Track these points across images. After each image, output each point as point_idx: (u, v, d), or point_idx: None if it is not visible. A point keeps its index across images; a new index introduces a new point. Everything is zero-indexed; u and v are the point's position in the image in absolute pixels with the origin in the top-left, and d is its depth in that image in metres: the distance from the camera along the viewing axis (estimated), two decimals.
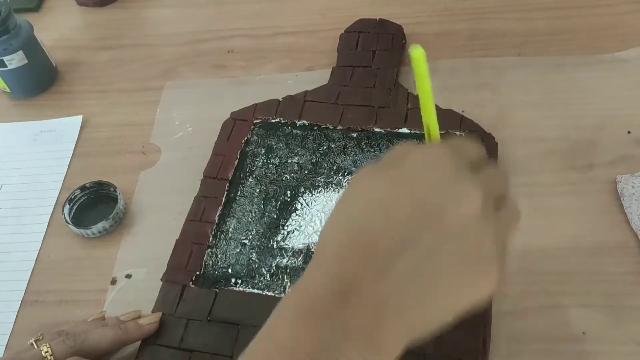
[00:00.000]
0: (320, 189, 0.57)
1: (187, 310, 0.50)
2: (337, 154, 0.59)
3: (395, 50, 0.66)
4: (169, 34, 0.77)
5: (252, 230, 0.55)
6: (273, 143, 0.61)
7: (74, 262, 0.57)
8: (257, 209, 0.56)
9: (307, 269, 0.34)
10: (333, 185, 0.57)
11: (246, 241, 0.54)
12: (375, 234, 0.32)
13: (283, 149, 0.60)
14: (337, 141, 0.60)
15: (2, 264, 0.58)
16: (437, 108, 0.60)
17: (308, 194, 0.57)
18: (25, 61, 0.69)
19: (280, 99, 0.64)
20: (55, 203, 0.62)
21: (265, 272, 0.52)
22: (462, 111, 0.60)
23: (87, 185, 0.60)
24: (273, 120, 0.62)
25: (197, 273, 0.53)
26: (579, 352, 0.46)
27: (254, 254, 0.53)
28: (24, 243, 0.59)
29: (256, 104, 0.64)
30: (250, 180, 0.58)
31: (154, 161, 0.64)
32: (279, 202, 0.56)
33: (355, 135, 0.60)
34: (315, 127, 0.61)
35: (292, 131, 0.61)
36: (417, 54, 0.34)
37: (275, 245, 0.54)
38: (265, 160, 0.60)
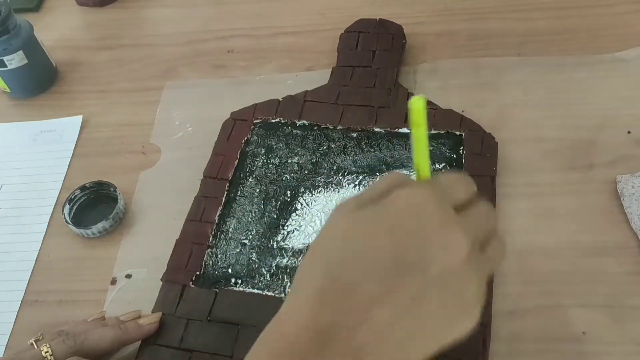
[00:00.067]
0: (320, 189, 0.57)
1: (187, 310, 0.50)
2: (337, 154, 0.59)
3: (395, 50, 0.66)
4: (169, 34, 0.77)
5: (252, 230, 0.55)
6: (273, 143, 0.61)
7: (74, 262, 0.57)
8: (257, 209, 0.56)
9: (284, 306, 0.33)
10: (333, 185, 0.57)
11: (246, 241, 0.54)
12: (354, 282, 0.31)
13: (283, 149, 0.60)
14: (337, 141, 0.60)
15: (2, 264, 0.58)
16: (437, 108, 0.61)
17: (308, 194, 0.57)
18: (25, 61, 0.69)
19: (280, 99, 0.64)
20: (55, 203, 0.62)
21: (265, 272, 0.52)
22: (462, 111, 0.60)
23: (87, 185, 0.60)
24: (273, 120, 0.62)
25: (197, 273, 0.53)
26: (579, 352, 0.46)
27: (254, 254, 0.53)
28: (24, 243, 0.59)
29: (256, 104, 0.64)
30: (250, 180, 0.58)
31: (154, 161, 0.64)
32: (279, 202, 0.56)
33: (355, 135, 0.60)
34: (315, 127, 0.61)
35: (292, 131, 0.61)
36: (417, 105, 0.33)
37: (275, 245, 0.54)
38: (265, 160, 0.60)
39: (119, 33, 0.79)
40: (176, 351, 0.48)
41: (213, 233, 0.55)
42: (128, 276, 0.55)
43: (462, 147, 0.57)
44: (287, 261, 0.52)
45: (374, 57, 0.66)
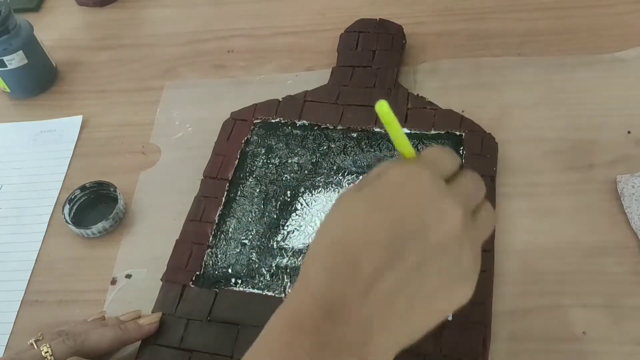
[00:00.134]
0: (320, 189, 0.57)
1: (187, 310, 0.50)
2: (337, 154, 0.59)
3: (395, 50, 0.66)
4: (169, 34, 0.77)
5: (252, 230, 0.55)
6: (273, 143, 0.61)
7: (74, 262, 0.57)
8: (257, 209, 0.56)
9: (293, 288, 0.34)
10: (333, 185, 0.57)
11: (246, 241, 0.54)
12: (358, 255, 0.33)
13: (283, 149, 0.60)
14: (337, 141, 0.60)
15: (2, 264, 0.58)
16: (437, 108, 0.61)
17: (308, 194, 0.57)
18: (25, 61, 0.69)
19: (280, 99, 0.64)
20: (55, 203, 0.62)
21: (265, 272, 0.52)
22: (462, 111, 0.60)
23: (87, 185, 0.60)
24: (273, 120, 0.62)
25: (197, 273, 0.53)
26: (579, 352, 0.46)
27: (254, 254, 0.53)
28: (24, 243, 0.59)
29: (256, 104, 0.64)
30: (250, 180, 0.58)
31: (154, 161, 0.64)
32: (279, 202, 0.56)
33: (355, 135, 0.60)
34: (315, 127, 0.61)
35: (292, 131, 0.61)
36: (381, 109, 0.35)
37: (275, 245, 0.54)
38: (265, 160, 0.60)
39: (119, 33, 0.79)
40: (176, 351, 0.48)
41: (213, 233, 0.55)
42: (128, 276, 0.55)
43: (462, 148, 0.57)
44: (287, 261, 0.52)
45: (374, 57, 0.66)
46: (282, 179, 0.58)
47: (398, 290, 0.32)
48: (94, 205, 0.60)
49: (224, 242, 0.55)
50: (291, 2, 0.78)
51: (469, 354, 0.45)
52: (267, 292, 0.51)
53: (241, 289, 0.52)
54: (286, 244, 0.53)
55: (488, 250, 0.50)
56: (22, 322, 0.54)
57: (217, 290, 0.51)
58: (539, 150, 0.58)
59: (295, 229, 0.54)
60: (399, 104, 0.61)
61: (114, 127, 0.68)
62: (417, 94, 0.63)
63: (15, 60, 0.68)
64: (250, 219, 0.56)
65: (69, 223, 0.58)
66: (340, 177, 0.57)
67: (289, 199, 0.56)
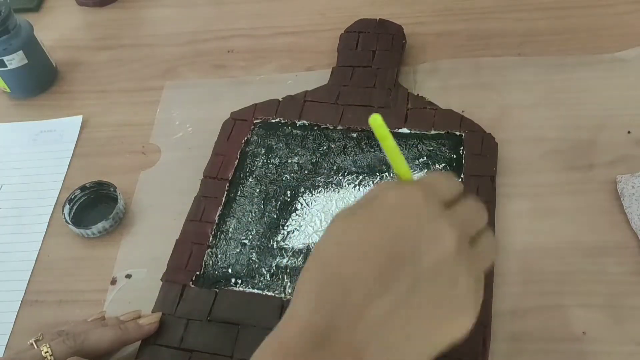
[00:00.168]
0: (320, 189, 0.57)
1: (187, 310, 0.50)
2: (337, 154, 0.59)
3: (395, 50, 0.66)
4: (169, 34, 0.77)
5: (252, 230, 0.55)
6: (273, 143, 0.61)
7: (74, 262, 0.57)
8: (257, 209, 0.56)
9: (285, 313, 0.34)
10: (333, 185, 0.57)
11: (246, 241, 0.54)
12: (348, 281, 0.32)
13: (283, 149, 0.60)
14: (337, 141, 0.60)
15: (2, 264, 0.58)
16: (437, 108, 0.61)
17: (308, 194, 0.57)
18: (25, 61, 0.69)
19: (280, 99, 0.64)
20: (55, 203, 0.62)
21: (265, 272, 0.52)
22: (462, 111, 0.60)
23: (87, 185, 0.60)
24: (273, 120, 0.62)
25: (197, 273, 0.53)
26: (579, 352, 0.46)
27: (254, 254, 0.53)
28: (24, 243, 0.59)
29: (256, 104, 0.64)
30: (250, 180, 0.58)
31: (154, 161, 0.64)
32: (279, 202, 0.56)
33: (355, 135, 0.60)
34: (315, 127, 0.61)
35: (292, 131, 0.61)
36: (375, 121, 0.35)
37: (275, 245, 0.54)
38: (265, 160, 0.60)
39: (119, 33, 0.79)
40: (176, 351, 0.48)
41: (213, 233, 0.55)
42: (128, 276, 0.55)
43: (462, 148, 0.57)
44: (287, 261, 0.52)
45: (374, 57, 0.66)
46: (282, 179, 0.58)
47: (390, 318, 0.31)
48: (94, 205, 0.60)
49: (224, 242, 0.55)
50: (291, 2, 0.78)
51: (469, 354, 0.45)
52: (267, 292, 0.51)
53: (241, 289, 0.52)
54: (286, 244, 0.53)
55: None
56: (22, 322, 0.54)
57: (217, 290, 0.51)
58: (539, 150, 0.58)
59: (295, 229, 0.54)
60: (399, 104, 0.61)
61: (114, 127, 0.68)
62: (417, 94, 0.63)
63: (15, 60, 0.68)
64: (250, 219, 0.56)
65: (69, 223, 0.58)
66: (340, 177, 0.57)
67: (289, 199, 0.56)
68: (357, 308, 0.31)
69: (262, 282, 0.52)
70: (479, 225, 0.36)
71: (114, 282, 0.55)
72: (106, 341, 0.47)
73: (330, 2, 0.76)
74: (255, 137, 0.61)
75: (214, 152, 0.61)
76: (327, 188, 0.57)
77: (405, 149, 0.58)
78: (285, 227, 0.55)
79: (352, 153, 0.59)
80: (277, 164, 0.59)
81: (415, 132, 0.59)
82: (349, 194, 0.56)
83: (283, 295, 0.51)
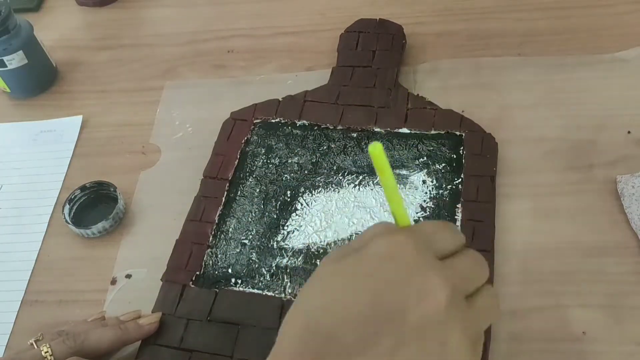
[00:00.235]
0: (320, 189, 0.57)
1: (187, 310, 0.50)
2: (337, 154, 0.59)
3: (395, 50, 0.66)
4: (169, 34, 0.77)
5: (252, 230, 0.55)
6: (273, 143, 0.61)
7: (74, 262, 0.57)
8: (257, 209, 0.56)
9: (270, 354, 0.32)
10: (333, 185, 0.57)
11: (246, 241, 0.54)
12: (331, 332, 0.30)
13: (283, 149, 0.60)
14: (337, 141, 0.60)
15: (2, 264, 0.58)
16: (437, 108, 0.61)
17: (308, 194, 0.57)
18: (25, 61, 0.69)
19: (280, 99, 0.64)
20: (55, 203, 0.62)
21: (265, 272, 0.52)
22: (462, 111, 0.60)
23: (87, 185, 0.60)
24: (273, 120, 0.62)
25: (197, 273, 0.53)
26: (579, 352, 0.46)
27: (254, 254, 0.53)
28: (24, 243, 0.59)
29: (256, 104, 0.64)
30: (250, 180, 0.58)
31: (154, 161, 0.64)
32: (279, 202, 0.56)
33: (355, 135, 0.60)
34: (315, 127, 0.61)
35: (292, 131, 0.61)
36: (374, 150, 0.32)
37: (275, 245, 0.54)
38: (265, 160, 0.60)
39: (119, 33, 0.79)
40: (176, 351, 0.48)
41: (213, 233, 0.55)
42: (128, 276, 0.55)
43: (462, 148, 0.57)
44: (287, 261, 0.52)
45: (374, 57, 0.66)
46: (282, 179, 0.58)
47: None
48: (94, 205, 0.60)
49: (224, 242, 0.55)
50: (291, 2, 0.78)
51: None
52: (267, 292, 0.51)
53: (241, 289, 0.52)
54: (286, 244, 0.53)
55: (488, 251, 0.50)
56: (22, 322, 0.54)
57: (217, 290, 0.51)
58: (539, 150, 0.58)
59: (295, 229, 0.54)
60: (399, 104, 0.61)
61: (114, 127, 0.68)
62: (417, 94, 0.63)
63: (15, 60, 0.68)
64: (250, 219, 0.56)
65: (69, 223, 0.58)
66: (340, 177, 0.57)
67: (289, 199, 0.56)
68: None
69: (262, 282, 0.52)
70: (479, 281, 0.34)
71: (114, 282, 0.55)
72: (106, 341, 0.47)
73: (330, 2, 0.76)
74: (255, 137, 0.61)
75: (214, 152, 0.61)
76: (327, 188, 0.57)
77: (405, 149, 0.58)
78: (285, 227, 0.55)
79: (352, 153, 0.59)
80: (277, 164, 0.59)
81: (415, 132, 0.59)
82: (349, 194, 0.56)
83: (283, 295, 0.51)
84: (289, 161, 0.59)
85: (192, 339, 0.49)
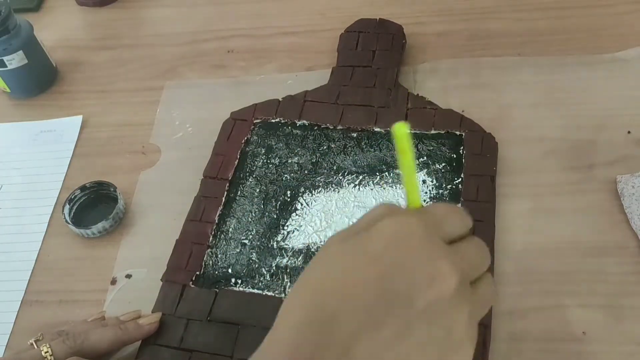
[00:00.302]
0: (320, 189, 0.57)
1: (187, 310, 0.50)
2: (337, 154, 0.59)
3: (395, 50, 0.66)
4: (169, 34, 0.77)
5: (252, 230, 0.55)
6: (273, 143, 0.61)
7: (74, 262, 0.57)
8: (257, 209, 0.56)
9: (268, 334, 0.31)
10: (333, 185, 0.57)
11: (246, 241, 0.54)
12: (334, 315, 0.29)
13: (283, 149, 0.60)
14: (337, 141, 0.60)
15: (2, 264, 0.58)
16: (437, 108, 0.61)
17: (308, 194, 0.57)
18: (25, 61, 0.69)
19: (280, 99, 0.64)
20: (55, 203, 0.62)
21: (265, 272, 0.52)
22: (462, 111, 0.60)
23: (87, 185, 0.60)
24: (273, 120, 0.62)
25: (197, 273, 0.53)
26: (579, 352, 0.46)
27: (254, 254, 0.53)
28: (24, 243, 0.59)
29: (256, 104, 0.64)
30: (250, 180, 0.58)
31: (154, 161, 0.64)
32: (279, 202, 0.56)
33: (355, 135, 0.60)
34: (315, 127, 0.61)
35: (292, 131, 0.61)
36: (399, 131, 0.31)
37: (275, 245, 0.54)
38: (265, 160, 0.60)
39: (119, 33, 0.79)
40: (176, 351, 0.48)
41: (213, 233, 0.55)
42: (128, 276, 0.55)
43: (462, 147, 0.57)
44: (287, 261, 0.52)
45: (374, 57, 0.66)
46: (282, 179, 0.58)
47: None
48: (94, 205, 0.60)
49: (224, 242, 0.55)
50: (291, 2, 0.78)
51: None
52: (267, 292, 0.51)
53: (241, 289, 0.52)
54: (286, 244, 0.53)
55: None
56: (22, 322, 0.54)
57: (217, 290, 0.51)
58: (539, 150, 0.58)
59: (295, 229, 0.54)
60: (399, 103, 0.61)
61: (114, 127, 0.68)
62: (417, 94, 0.63)
63: (15, 60, 0.68)
64: (250, 219, 0.56)
65: (69, 223, 0.58)
66: (340, 177, 0.57)
67: (289, 199, 0.56)
68: (341, 346, 0.29)
69: (262, 282, 0.52)
70: (482, 268, 0.34)
71: (114, 282, 0.55)
72: (106, 341, 0.47)
73: (330, 2, 0.76)
74: (255, 137, 0.61)
75: (214, 152, 0.61)
76: (327, 188, 0.57)
77: None
78: (285, 227, 0.55)
79: (352, 153, 0.59)
80: (277, 164, 0.59)
81: (415, 131, 0.59)
82: (349, 194, 0.56)
83: (283, 295, 0.51)
84: (289, 161, 0.59)
85: (192, 339, 0.49)
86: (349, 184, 0.57)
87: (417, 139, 0.58)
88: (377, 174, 0.57)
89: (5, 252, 0.59)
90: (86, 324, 0.48)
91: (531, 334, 0.47)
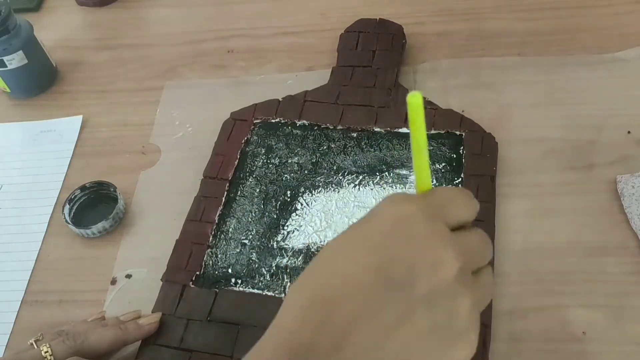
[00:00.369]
0: (320, 189, 0.57)
1: (187, 310, 0.50)
2: (337, 154, 0.59)
3: (395, 50, 0.66)
4: (169, 34, 0.77)
5: (252, 230, 0.55)
6: (273, 143, 0.61)
7: (74, 262, 0.57)
8: (257, 209, 0.56)
9: (272, 322, 0.31)
10: (333, 185, 0.57)
11: (246, 241, 0.54)
12: (333, 301, 0.29)
13: (283, 149, 0.60)
14: (337, 141, 0.60)
15: (2, 264, 0.58)
16: (437, 108, 0.61)
17: (308, 194, 0.57)
18: (25, 61, 0.69)
19: (280, 99, 0.64)
20: (55, 203, 0.62)
21: (265, 272, 0.52)
22: (462, 111, 0.60)
23: (87, 185, 0.60)
24: (273, 120, 0.62)
25: (197, 273, 0.53)
26: (579, 352, 0.46)
27: (254, 254, 0.53)
28: (24, 243, 0.59)
29: (256, 104, 0.64)
30: (250, 180, 0.58)
31: (154, 161, 0.64)
32: (279, 202, 0.56)
33: (355, 135, 0.60)
34: (315, 127, 0.61)
35: (292, 131, 0.61)
36: (414, 100, 0.30)
37: (275, 245, 0.54)
38: (265, 160, 0.60)
39: (119, 33, 0.79)
40: (176, 351, 0.48)
41: (213, 233, 0.55)
42: (128, 276, 0.55)
43: (462, 147, 0.57)
44: (287, 261, 0.52)
45: (374, 57, 0.66)
46: (282, 179, 0.58)
47: (376, 347, 0.28)
48: (94, 205, 0.60)
49: (224, 242, 0.55)
50: (291, 2, 0.78)
51: None
52: (267, 292, 0.51)
53: (241, 289, 0.52)
54: (286, 244, 0.53)
55: None
56: (22, 322, 0.54)
57: (217, 290, 0.51)
58: (539, 150, 0.58)
59: (295, 229, 0.54)
60: (399, 104, 0.61)
61: (114, 127, 0.68)
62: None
63: (15, 60, 0.68)
64: (250, 219, 0.56)
65: (69, 223, 0.58)
66: (340, 177, 0.57)
67: (289, 199, 0.56)
68: (340, 330, 0.29)
69: (262, 282, 0.52)
70: (484, 260, 0.33)
71: (114, 282, 0.55)
72: (106, 341, 0.47)
73: (330, 2, 0.76)
74: (255, 137, 0.61)
75: (214, 152, 0.61)
76: (327, 188, 0.57)
77: (405, 148, 0.58)
78: (285, 227, 0.55)
79: (352, 153, 0.59)
80: (277, 164, 0.59)
81: None
82: (349, 194, 0.56)
83: (283, 295, 0.51)
84: (289, 161, 0.59)
85: (192, 339, 0.49)
86: (349, 184, 0.57)
87: None
88: (377, 174, 0.57)
89: (5, 252, 0.59)
90: (86, 324, 0.48)
91: (531, 334, 0.47)
